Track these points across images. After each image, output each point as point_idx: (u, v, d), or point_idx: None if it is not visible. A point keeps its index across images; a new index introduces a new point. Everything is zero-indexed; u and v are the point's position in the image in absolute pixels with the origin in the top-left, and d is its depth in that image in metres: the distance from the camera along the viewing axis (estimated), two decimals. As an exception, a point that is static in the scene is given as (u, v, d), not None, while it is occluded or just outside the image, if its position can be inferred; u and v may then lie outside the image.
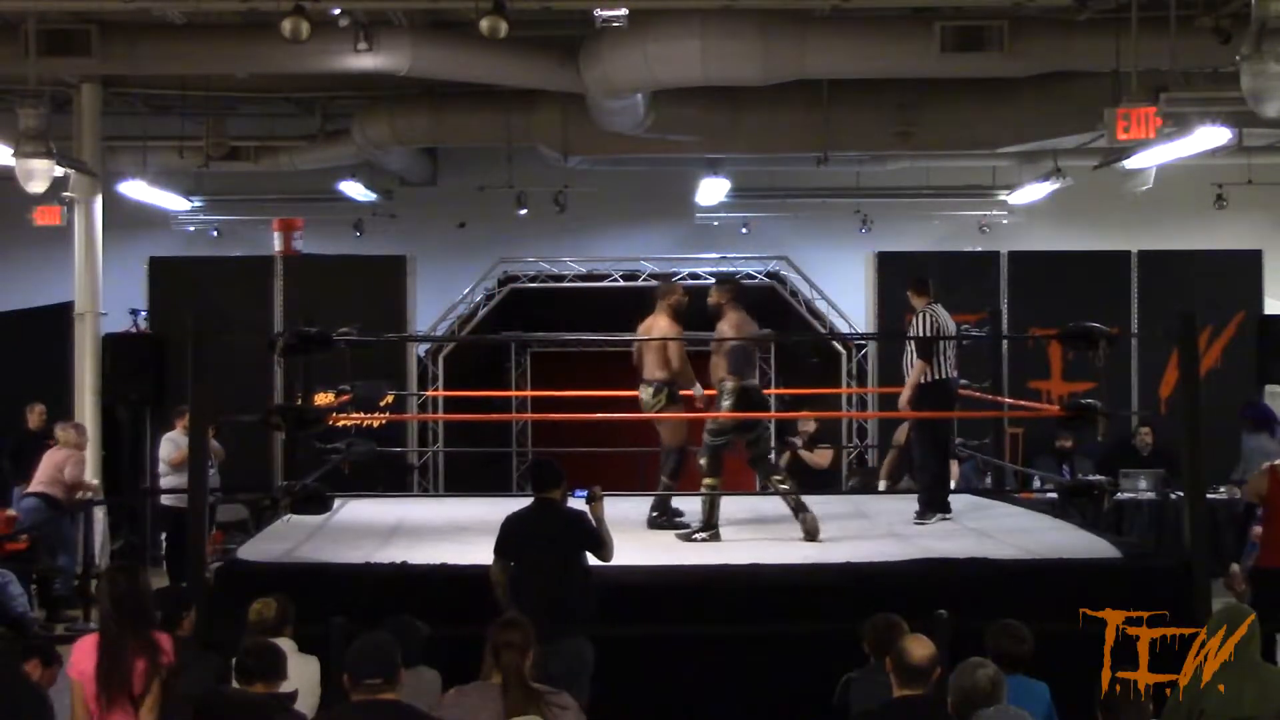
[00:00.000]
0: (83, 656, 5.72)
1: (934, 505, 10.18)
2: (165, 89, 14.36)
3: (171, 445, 12.99)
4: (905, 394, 10.19)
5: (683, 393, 10.09)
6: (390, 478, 14.36)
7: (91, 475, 12.94)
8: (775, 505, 10.19)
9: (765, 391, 10.74)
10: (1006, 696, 5.45)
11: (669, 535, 9.77)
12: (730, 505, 10.30)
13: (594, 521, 7.62)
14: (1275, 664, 6.59)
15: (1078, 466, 13.92)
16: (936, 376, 10.04)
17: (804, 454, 13.69)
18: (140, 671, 5.63)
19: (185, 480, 12.20)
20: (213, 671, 6.24)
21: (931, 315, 10.11)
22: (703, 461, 9.76)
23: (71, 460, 12.36)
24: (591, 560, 7.55)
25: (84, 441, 12.68)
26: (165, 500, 13.03)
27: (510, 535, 7.56)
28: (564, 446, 14.85)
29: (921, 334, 10.06)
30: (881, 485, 13.37)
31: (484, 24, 9.49)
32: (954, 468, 12.06)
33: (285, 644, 6.38)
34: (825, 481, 14.14)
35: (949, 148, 14.99)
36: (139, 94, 14.48)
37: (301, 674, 6.35)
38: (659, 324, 10.07)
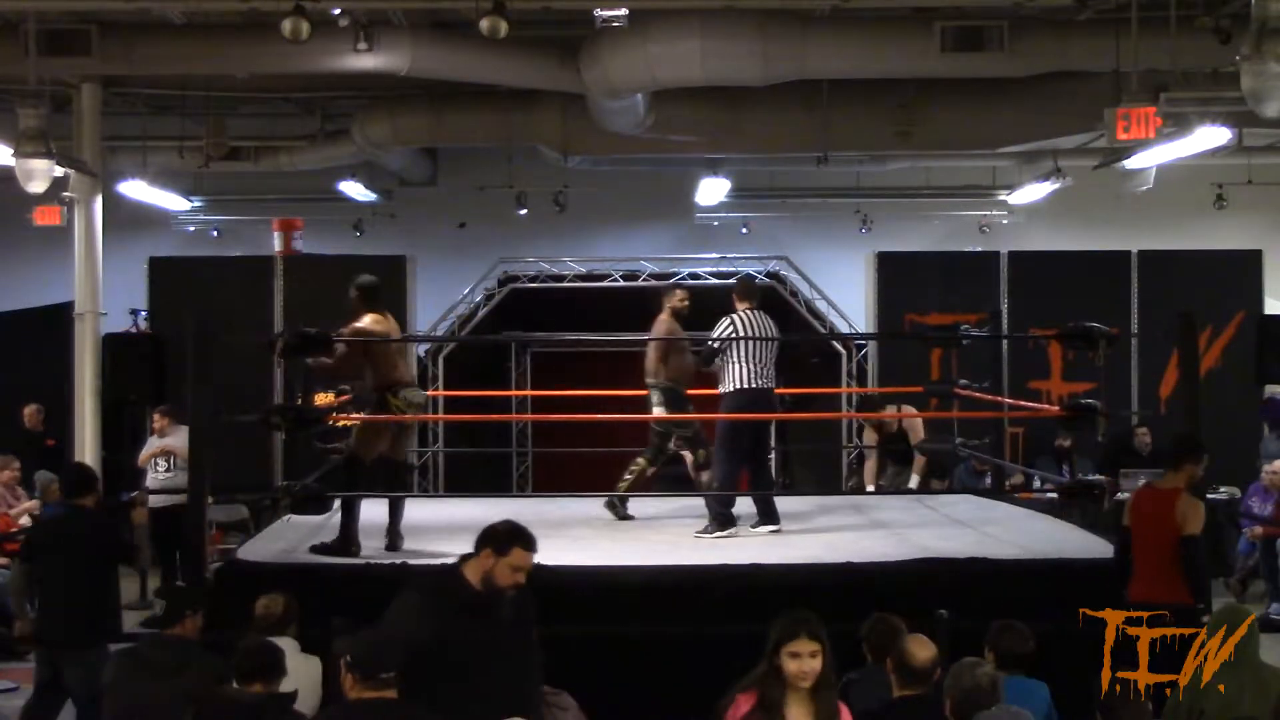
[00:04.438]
0: None
1: (723, 520, 9.81)
2: (165, 89, 14.33)
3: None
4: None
5: None
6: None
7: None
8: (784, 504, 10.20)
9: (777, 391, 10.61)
10: (1006, 696, 5.46)
11: (669, 534, 9.77)
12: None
13: (131, 528, 7.58)
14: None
15: (1078, 466, 13.92)
16: (753, 384, 9.88)
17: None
18: None
19: (162, 480, 12.32)
20: (213, 671, 6.23)
21: (742, 320, 9.96)
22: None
23: None
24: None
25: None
26: (154, 501, 13.02)
27: (33, 540, 7.47)
28: (564, 446, 14.93)
29: (735, 335, 9.91)
30: (870, 487, 13.30)
31: (484, 24, 9.47)
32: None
33: (287, 643, 6.38)
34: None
35: (949, 148, 14.96)
36: (139, 94, 14.45)
37: (302, 674, 6.35)
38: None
